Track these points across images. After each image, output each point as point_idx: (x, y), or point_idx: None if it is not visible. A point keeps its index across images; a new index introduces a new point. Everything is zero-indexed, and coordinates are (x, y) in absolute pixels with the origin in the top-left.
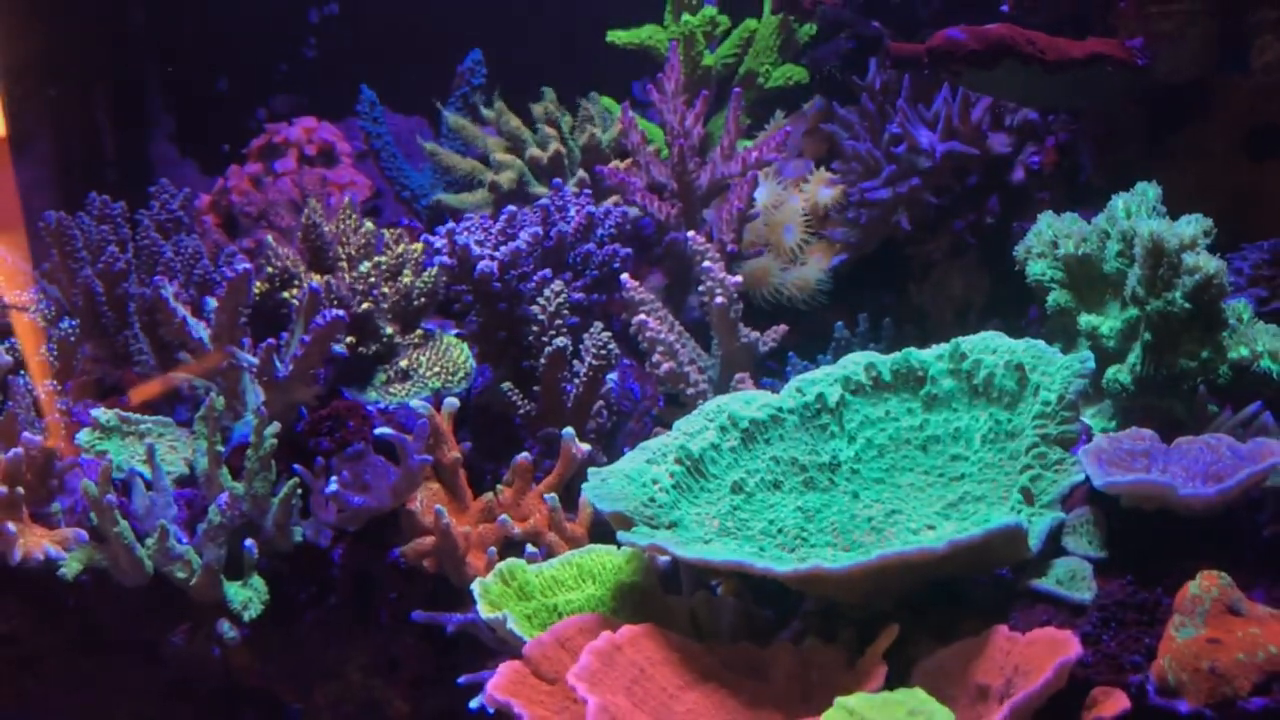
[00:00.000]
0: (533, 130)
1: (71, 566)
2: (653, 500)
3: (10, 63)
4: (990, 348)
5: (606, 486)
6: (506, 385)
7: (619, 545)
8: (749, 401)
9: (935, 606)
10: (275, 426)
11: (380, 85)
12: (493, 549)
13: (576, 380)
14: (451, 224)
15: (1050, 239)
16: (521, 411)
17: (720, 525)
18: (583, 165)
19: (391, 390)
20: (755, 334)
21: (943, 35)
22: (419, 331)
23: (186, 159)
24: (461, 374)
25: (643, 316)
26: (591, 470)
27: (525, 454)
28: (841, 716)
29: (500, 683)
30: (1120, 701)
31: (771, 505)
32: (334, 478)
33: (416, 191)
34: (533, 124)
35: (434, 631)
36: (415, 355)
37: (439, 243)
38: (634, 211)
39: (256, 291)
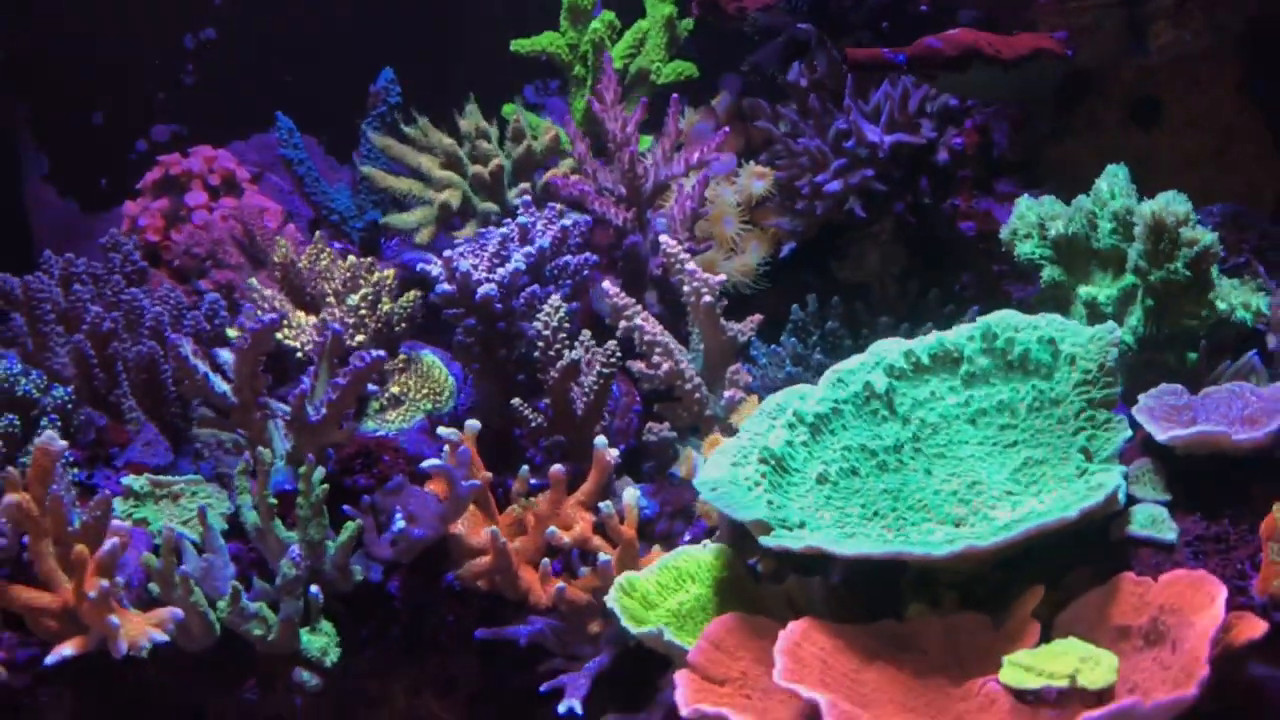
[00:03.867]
0: (460, 144)
1: (123, 644)
2: (770, 503)
3: None
4: (1014, 325)
5: (729, 497)
6: (517, 401)
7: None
8: (804, 397)
9: (1033, 563)
10: (321, 472)
11: (263, 107)
12: (546, 560)
13: (585, 388)
14: (449, 251)
15: (1034, 221)
16: (533, 424)
17: (832, 518)
18: (518, 176)
19: (388, 418)
20: (736, 326)
21: (923, 45)
22: (401, 355)
23: (67, 198)
24: (447, 393)
25: (639, 321)
26: (699, 481)
27: (558, 466)
28: (1018, 673)
29: (692, 695)
30: (1258, 625)
31: (856, 491)
32: (398, 515)
33: (344, 214)
34: (459, 138)
35: (488, 648)
36: (403, 380)
37: (435, 270)
38: (589, 219)
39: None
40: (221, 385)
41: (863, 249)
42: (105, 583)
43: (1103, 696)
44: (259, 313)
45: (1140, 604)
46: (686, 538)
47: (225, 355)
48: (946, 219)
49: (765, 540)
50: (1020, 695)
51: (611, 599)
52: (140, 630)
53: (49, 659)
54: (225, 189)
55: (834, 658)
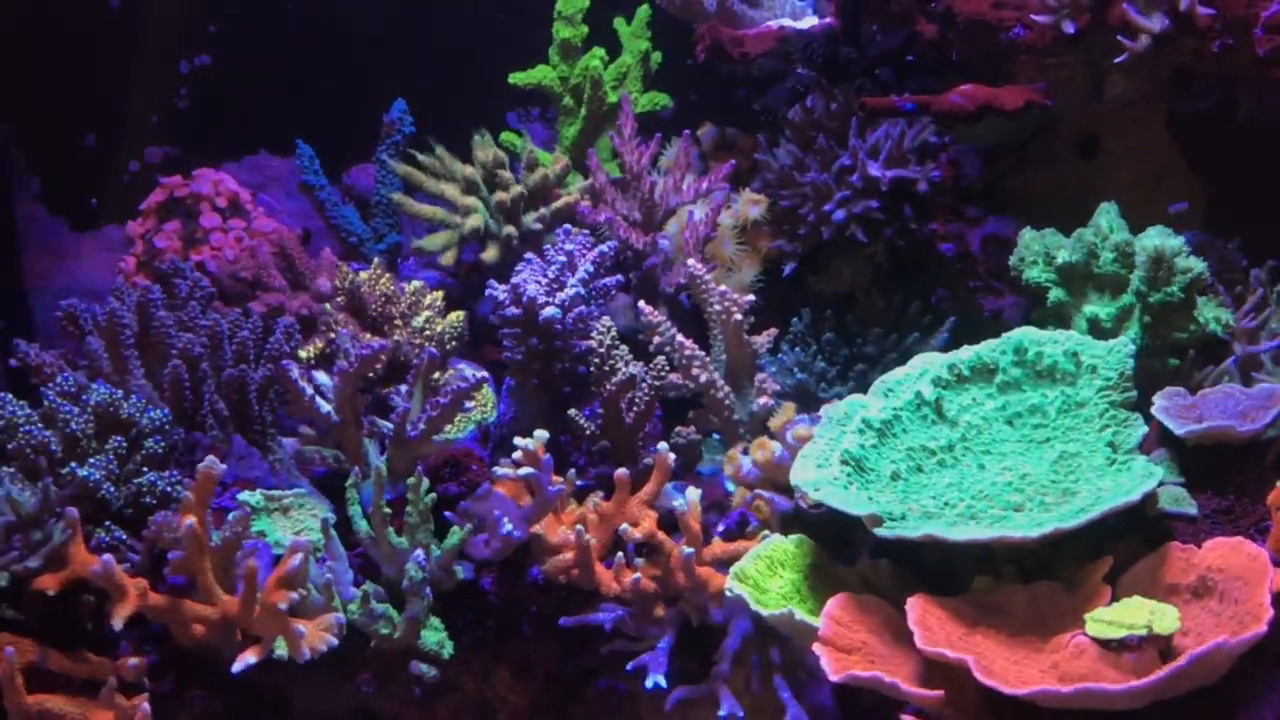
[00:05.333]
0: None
1: (282, 652)
2: (871, 499)
3: None
4: (1039, 341)
5: (833, 496)
6: (573, 411)
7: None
8: (866, 406)
9: (1071, 539)
10: (426, 483)
11: (252, 131)
12: (620, 554)
13: (635, 400)
14: (516, 279)
15: (1039, 250)
16: (587, 432)
17: (920, 509)
18: (531, 202)
19: (446, 430)
20: (757, 339)
21: (948, 101)
22: (451, 370)
23: (56, 217)
24: (490, 404)
25: (677, 336)
26: (801, 483)
27: (623, 470)
28: (1102, 627)
29: (836, 665)
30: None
31: (925, 485)
32: (504, 520)
33: (363, 236)
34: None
35: (563, 633)
36: None
37: (502, 293)
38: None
39: (311, 356)
40: (325, 405)
41: (839, 265)
42: (295, 595)
43: (1170, 641)
44: (358, 340)
45: (1187, 566)
46: (720, 529)
47: (322, 377)
48: (927, 241)
49: (880, 531)
50: (1105, 644)
51: (735, 587)
52: (318, 637)
53: (235, 667)
54: (231, 211)
55: (949, 625)
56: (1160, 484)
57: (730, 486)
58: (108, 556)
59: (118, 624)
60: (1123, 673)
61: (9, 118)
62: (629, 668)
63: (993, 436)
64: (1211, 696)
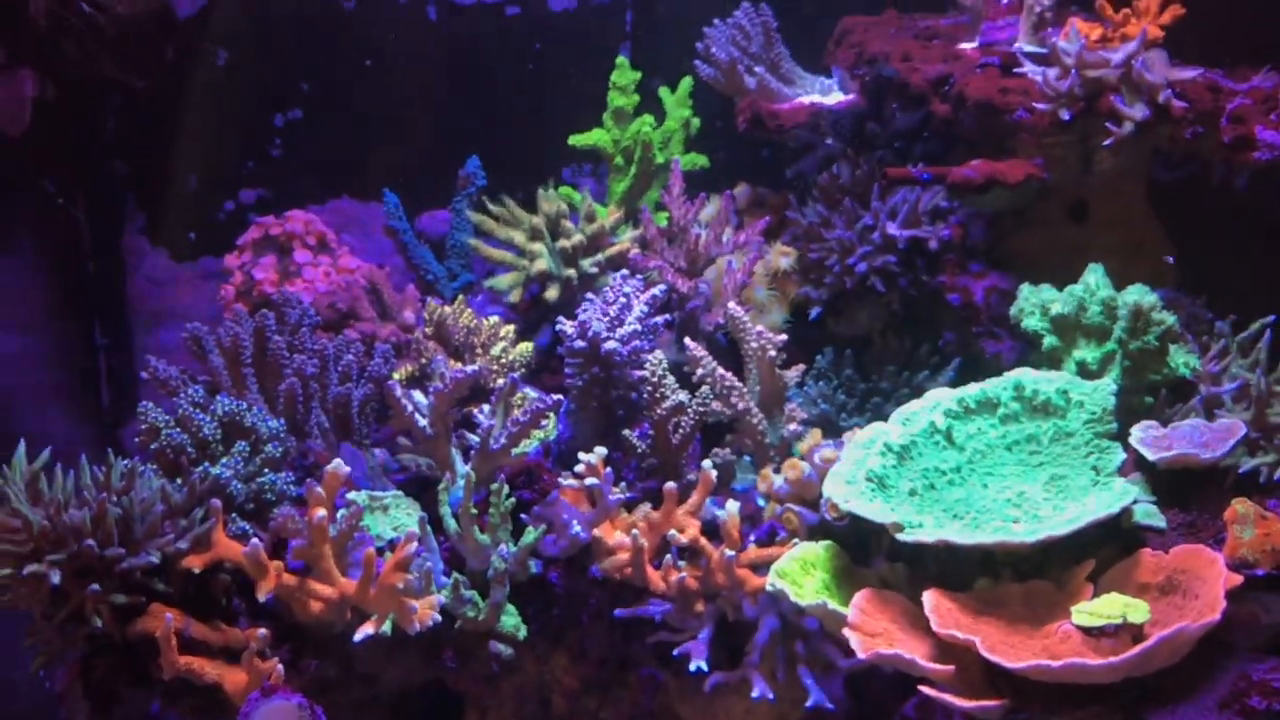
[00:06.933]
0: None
1: (386, 628)
2: (893, 510)
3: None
4: (1035, 381)
5: (869, 507)
6: (626, 431)
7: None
8: (887, 433)
9: (1059, 547)
10: (507, 489)
11: (335, 178)
12: (667, 556)
13: (682, 425)
14: (582, 316)
15: (1036, 303)
16: (639, 450)
17: (934, 520)
18: (588, 250)
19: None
20: (788, 374)
21: (961, 174)
22: (519, 394)
23: (159, 248)
24: (551, 424)
25: (718, 369)
26: (833, 496)
27: (671, 484)
28: (1085, 617)
29: (865, 645)
30: (1237, 577)
31: (937, 500)
32: (574, 522)
33: (438, 275)
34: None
35: (615, 624)
36: None
37: (570, 329)
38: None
39: (403, 377)
40: (422, 420)
41: (855, 311)
42: (411, 576)
43: (1142, 629)
44: (453, 366)
45: (1157, 568)
46: (753, 538)
47: (418, 396)
48: (936, 291)
49: (901, 536)
50: (1088, 631)
51: (777, 582)
52: (426, 614)
53: (357, 636)
54: (320, 248)
55: (958, 614)
56: (1135, 501)
57: (761, 501)
58: (255, 540)
59: (262, 597)
60: (1102, 655)
61: (124, 159)
62: (675, 653)
63: (995, 460)
64: (1175, 674)
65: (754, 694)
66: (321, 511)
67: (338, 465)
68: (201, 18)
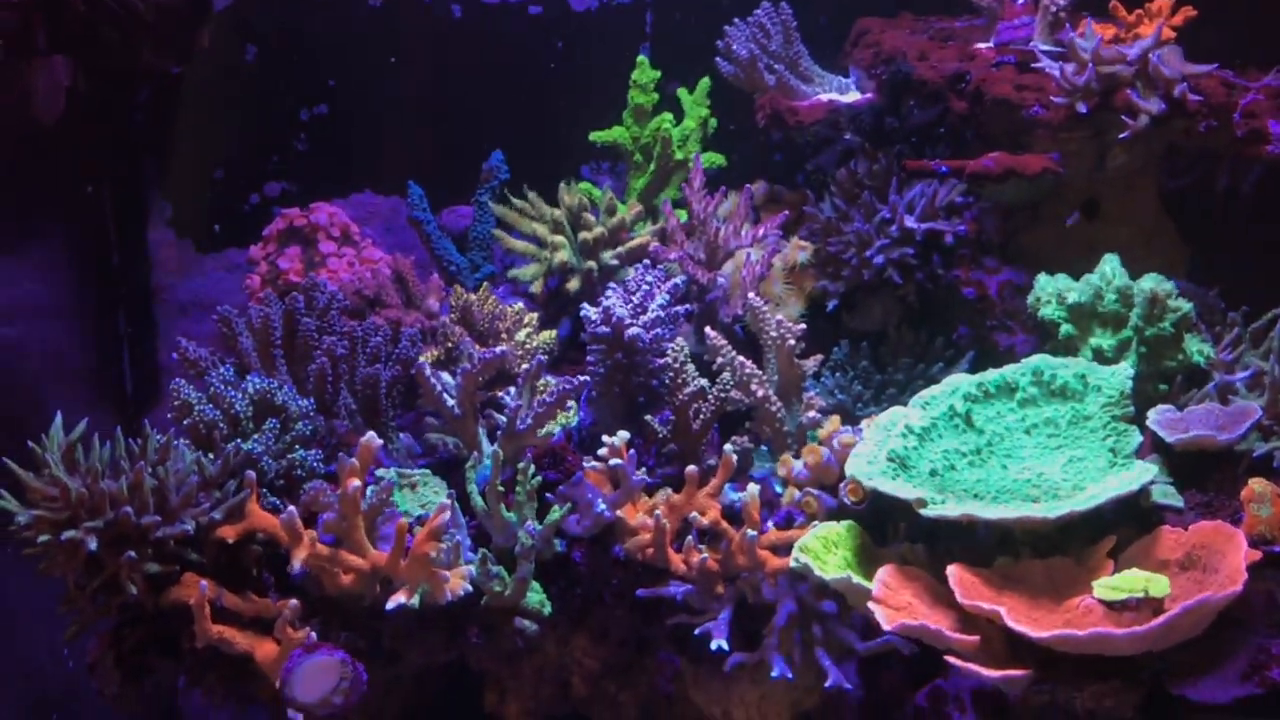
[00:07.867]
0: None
1: (416, 600)
2: (915, 488)
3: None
4: (1053, 365)
5: (892, 484)
6: (648, 416)
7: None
8: (907, 415)
9: (1077, 525)
10: (533, 468)
11: (358, 172)
12: (690, 537)
13: (703, 410)
14: (606, 303)
15: (1053, 292)
16: (660, 435)
17: (956, 498)
18: (608, 243)
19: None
20: (806, 363)
21: (980, 165)
22: (542, 380)
23: (184, 239)
24: (573, 409)
25: (738, 357)
26: (857, 473)
27: (693, 467)
28: (1107, 591)
29: (890, 617)
30: (1256, 552)
31: (958, 480)
32: (599, 501)
33: (461, 266)
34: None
35: (636, 604)
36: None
37: (594, 314)
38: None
39: (430, 360)
40: (450, 400)
41: (870, 304)
42: (444, 546)
43: (1163, 603)
44: (476, 348)
45: (1176, 545)
46: (769, 523)
47: (446, 377)
48: (951, 285)
49: (925, 511)
50: (1110, 605)
51: (801, 557)
52: (457, 584)
53: (389, 606)
54: (343, 240)
55: (980, 588)
56: (1153, 481)
57: (779, 488)
58: (291, 508)
59: (297, 565)
60: (1124, 627)
61: (151, 151)
62: (696, 632)
63: (1014, 443)
64: (1194, 649)
65: (773, 673)
66: (355, 482)
67: (371, 438)
68: (233, 11)
